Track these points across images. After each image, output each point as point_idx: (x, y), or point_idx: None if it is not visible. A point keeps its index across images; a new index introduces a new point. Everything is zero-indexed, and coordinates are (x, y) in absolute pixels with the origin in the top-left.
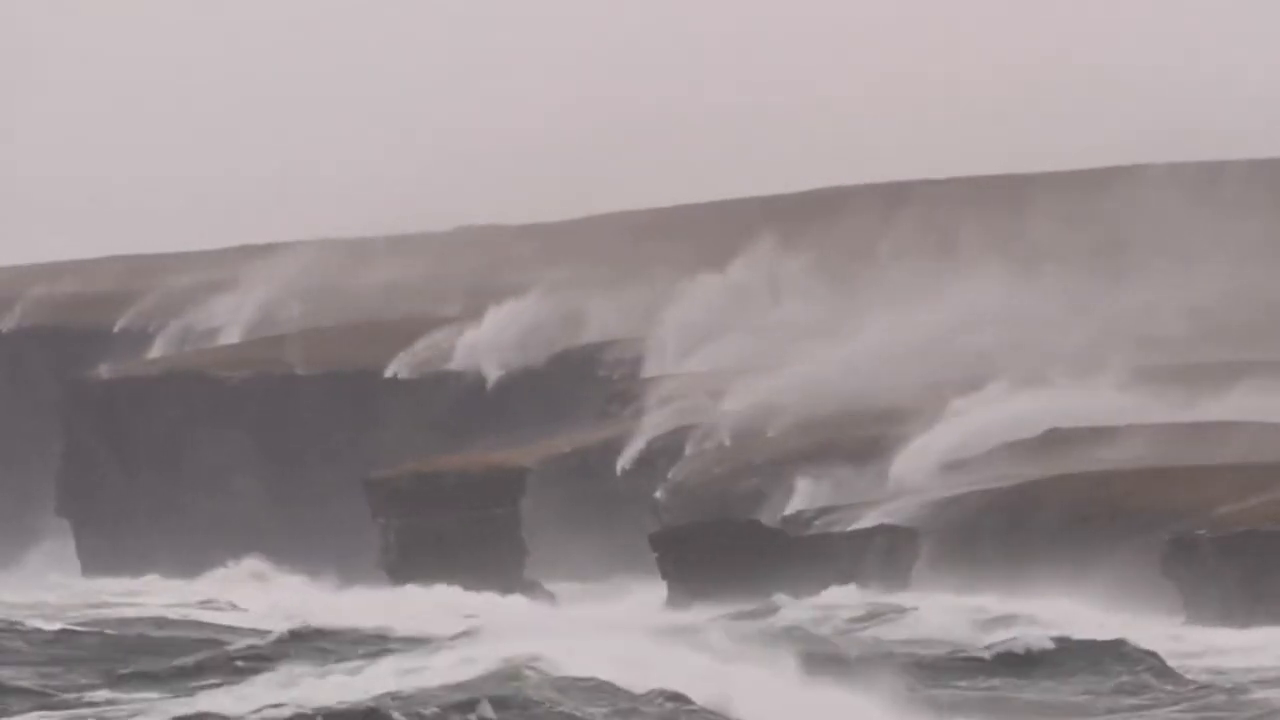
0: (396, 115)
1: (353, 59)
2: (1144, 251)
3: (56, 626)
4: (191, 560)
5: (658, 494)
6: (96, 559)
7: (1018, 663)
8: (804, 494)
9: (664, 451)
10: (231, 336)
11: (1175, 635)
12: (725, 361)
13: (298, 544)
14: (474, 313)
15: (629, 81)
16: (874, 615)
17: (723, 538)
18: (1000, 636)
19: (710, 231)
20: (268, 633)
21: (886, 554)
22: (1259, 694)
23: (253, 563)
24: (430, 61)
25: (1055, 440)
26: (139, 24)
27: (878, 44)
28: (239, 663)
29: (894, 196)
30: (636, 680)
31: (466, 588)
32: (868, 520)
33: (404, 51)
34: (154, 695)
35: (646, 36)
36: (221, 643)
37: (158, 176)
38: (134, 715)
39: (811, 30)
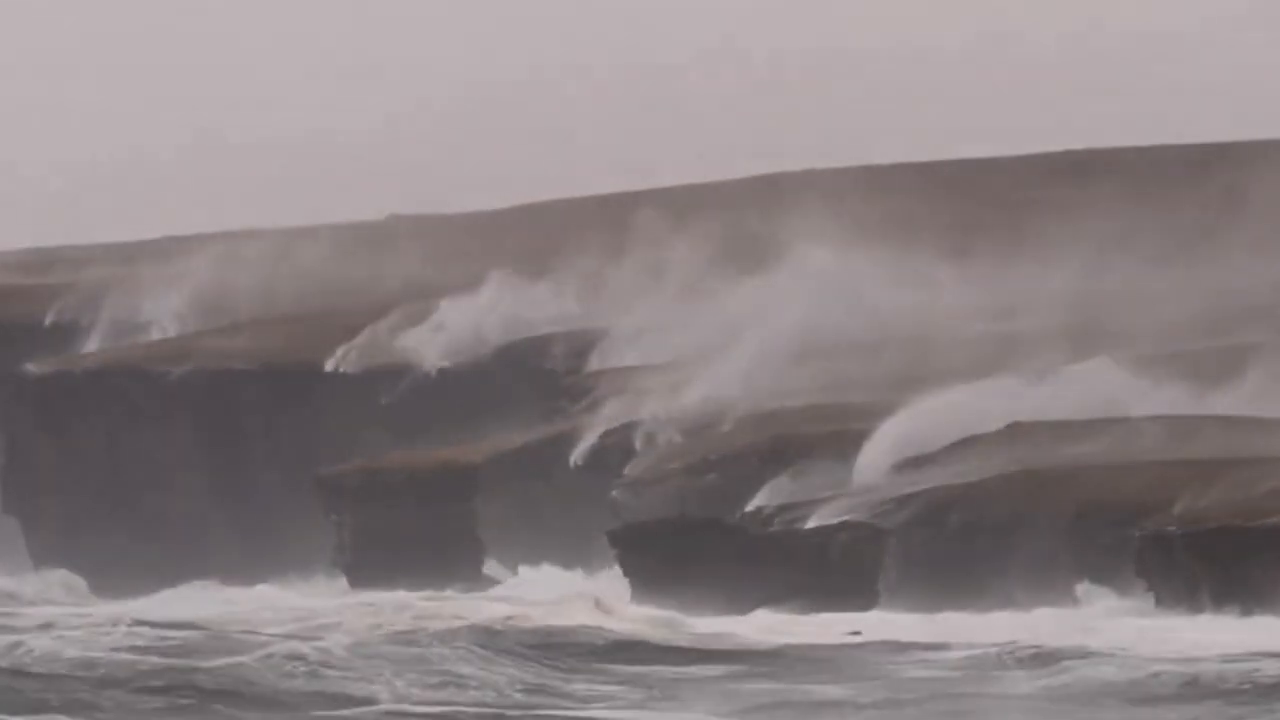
0: (326, 100)
1: (282, 43)
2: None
3: None
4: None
5: (614, 491)
6: (49, 557)
7: None
8: (763, 491)
9: (617, 447)
10: (167, 330)
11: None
12: (674, 354)
13: (246, 543)
14: (413, 304)
15: (567, 66)
16: None
17: (682, 536)
18: None
19: (653, 220)
20: None
21: (850, 552)
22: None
23: None
24: (362, 45)
25: (1018, 434)
26: (55, 6)
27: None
28: None
29: (842, 183)
30: None
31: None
32: (830, 517)
33: (336, 35)
34: None
35: (586, 17)
36: None
37: (76, 164)
38: None
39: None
